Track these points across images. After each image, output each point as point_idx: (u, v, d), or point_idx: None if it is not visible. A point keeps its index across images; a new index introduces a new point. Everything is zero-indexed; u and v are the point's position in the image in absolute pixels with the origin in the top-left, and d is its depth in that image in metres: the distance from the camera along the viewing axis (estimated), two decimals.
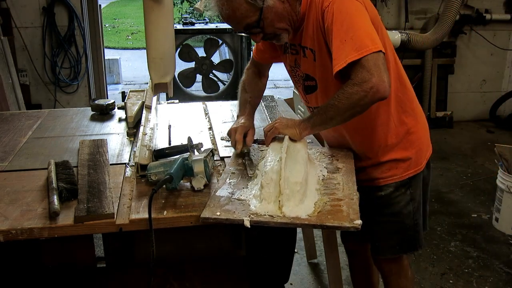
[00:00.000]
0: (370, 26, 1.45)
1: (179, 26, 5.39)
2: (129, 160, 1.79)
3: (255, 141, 1.84)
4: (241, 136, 1.73)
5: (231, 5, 1.49)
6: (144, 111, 2.07)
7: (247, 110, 1.87)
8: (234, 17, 1.51)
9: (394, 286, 1.91)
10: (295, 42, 1.66)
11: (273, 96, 2.58)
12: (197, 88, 5.69)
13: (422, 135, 1.77)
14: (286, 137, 1.58)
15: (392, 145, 1.71)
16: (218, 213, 1.36)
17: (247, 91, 1.95)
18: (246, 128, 1.77)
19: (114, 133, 2.09)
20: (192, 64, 5.41)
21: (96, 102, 2.38)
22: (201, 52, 5.42)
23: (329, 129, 1.72)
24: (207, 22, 5.70)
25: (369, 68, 1.39)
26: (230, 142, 1.80)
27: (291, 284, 2.66)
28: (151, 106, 2.18)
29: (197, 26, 5.48)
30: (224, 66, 5.58)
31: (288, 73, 1.84)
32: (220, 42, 5.55)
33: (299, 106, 4.25)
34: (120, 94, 2.71)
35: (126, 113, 2.21)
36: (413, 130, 1.72)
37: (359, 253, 2.13)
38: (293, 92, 4.34)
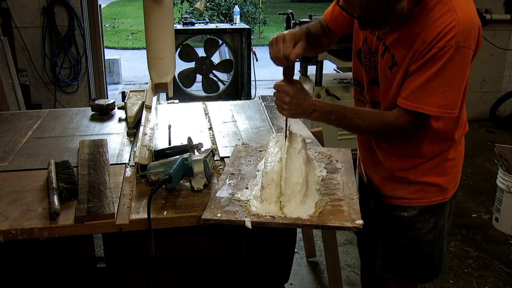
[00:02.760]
0: (462, 86, 1.42)
1: (179, 26, 5.38)
2: (129, 160, 1.79)
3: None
4: (291, 44, 1.44)
5: None
6: (144, 111, 2.07)
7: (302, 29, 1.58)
8: (362, 2, 1.32)
9: None
10: (381, 35, 1.50)
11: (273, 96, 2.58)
12: (197, 88, 5.68)
13: (458, 164, 1.66)
14: (286, 138, 1.58)
15: (429, 168, 1.59)
16: (219, 214, 1.36)
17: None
18: (296, 38, 1.46)
19: (114, 133, 2.09)
20: (192, 64, 5.41)
21: (96, 102, 2.38)
22: (201, 52, 5.41)
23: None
24: (207, 22, 5.70)
25: (413, 123, 1.42)
26: (270, 52, 1.50)
27: (291, 284, 2.66)
28: (151, 106, 2.18)
29: (197, 26, 5.48)
30: (224, 66, 5.58)
31: (354, 53, 1.67)
32: (220, 42, 5.54)
33: None
34: (120, 94, 2.71)
35: (126, 113, 2.21)
36: (452, 156, 1.61)
37: (372, 260, 1.97)
38: None
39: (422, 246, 1.65)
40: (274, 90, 1.52)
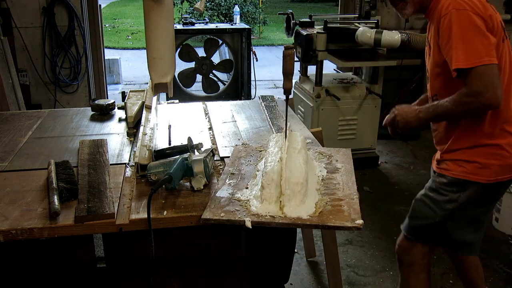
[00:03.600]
0: (486, 37, 1.60)
1: (179, 26, 5.38)
2: (129, 160, 1.79)
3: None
4: None
5: None
6: (144, 111, 2.07)
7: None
8: None
9: (402, 274, 2.01)
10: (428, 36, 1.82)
11: (273, 96, 2.58)
12: (197, 88, 5.68)
13: (510, 156, 1.75)
14: (286, 138, 1.58)
15: (480, 144, 1.75)
16: (220, 214, 1.36)
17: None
18: None
19: (114, 133, 2.09)
20: (192, 64, 5.41)
21: (96, 102, 2.38)
22: (201, 52, 5.41)
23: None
24: (207, 22, 5.70)
25: (484, 81, 1.56)
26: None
27: (291, 284, 2.66)
28: (151, 106, 2.18)
29: (197, 26, 5.48)
30: (224, 66, 5.58)
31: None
32: (220, 42, 5.54)
33: (299, 106, 4.25)
34: (120, 94, 2.71)
35: (126, 113, 2.21)
36: (495, 142, 1.74)
37: (450, 254, 2.22)
38: (293, 92, 4.34)
39: (438, 210, 1.83)
40: (388, 123, 1.89)
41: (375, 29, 3.60)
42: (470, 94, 1.58)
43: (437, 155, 1.90)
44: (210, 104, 2.51)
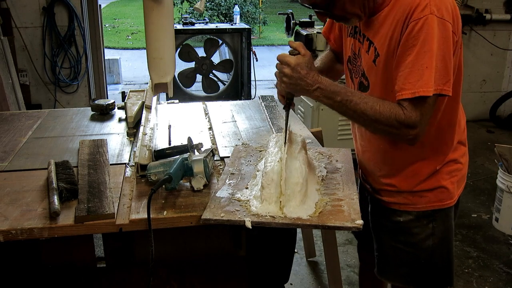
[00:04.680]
0: (450, 61, 1.30)
1: (179, 26, 5.38)
2: (129, 160, 1.79)
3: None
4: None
5: None
6: (144, 111, 2.07)
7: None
8: None
9: None
10: (364, 32, 1.45)
11: (273, 96, 2.58)
12: (197, 88, 5.69)
13: (464, 167, 1.58)
14: (286, 138, 1.58)
15: (428, 176, 1.53)
16: (220, 214, 1.36)
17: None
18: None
19: (114, 133, 2.09)
20: (192, 64, 5.41)
21: (96, 102, 2.38)
22: (201, 52, 5.42)
23: (365, 136, 1.58)
24: (207, 22, 5.70)
25: (425, 114, 1.31)
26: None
27: (291, 284, 2.66)
28: (151, 106, 2.18)
29: (197, 26, 5.48)
30: (224, 66, 5.58)
31: (344, 62, 1.61)
32: (220, 42, 5.55)
33: (299, 106, 4.25)
34: (120, 94, 2.71)
35: (126, 113, 2.21)
36: (453, 158, 1.54)
37: (371, 263, 1.92)
38: None
39: (421, 253, 1.58)
40: (277, 62, 1.41)
41: None
42: (406, 123, 1.31)
43: (373, 181, 1.62)
44: (210, 104, 2.51)
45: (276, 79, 1.47)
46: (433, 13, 1.27)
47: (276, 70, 1.44)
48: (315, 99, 1.41)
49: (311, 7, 1.40)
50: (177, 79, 5.38)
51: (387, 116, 1.32)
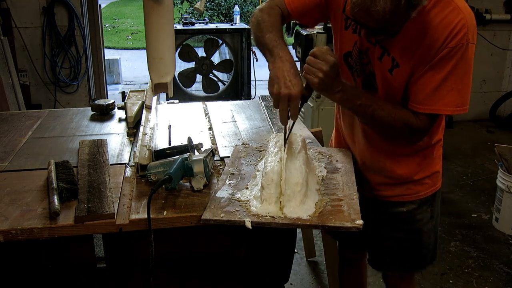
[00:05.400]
0: (471, 79, 1.44)
1: (179, 26, 5.38)
2: (129, 160, 1.79)
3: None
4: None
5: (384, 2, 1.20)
6: (144, 111, 2.07)
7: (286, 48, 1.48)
8: (376, 13, 1.22)
9: None
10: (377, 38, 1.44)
11: None
12: (197, 88, 5.69)
13: (440, 148, 1.68)
14: (286, 138, 1.58)
15: (425, 163, 1.64)
16: (220, 215, 1.36)
17: (272, 32, 1.52)
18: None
19: (114, 133, 2.09)
20: (192, 64, 5.41)
21: (96, 102, 2.38)
22: (201, 52, 5.42)
23: (372, 144, 1.64)
24: (207, 22, 5.70)
25: (432, 124, 1.45)
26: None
27: (291, 284, 2.66)
28: (151, 106, 2.18)
29: (197, 26, 5.48)
30: (224, 66, 5.58)
31: (339, 55, 1.59)
32: (220, 42, 5.55)
33: None
34: (120, 94, 2.71)
35: (126, 113, 2.21)
36: (440, 144, 1.66)
37: (355, 260, 2.06)
38: None
39: (424, 236, 1.69)
40: (311, 56, 1.38)
41: None
42: (417, 132, 1.45)
43: (373, 180, 1.69)
44: (210, 104, 2.51)
45: (301, 71, 1.42)
46: (469, 41, 1.36)
47: (307, 64, 1.40)
48: (335, 100, 1.49)
49: (367, 30, 1.35)
50: (177, 79, 5.38)
51: (402, 124, 1.43)
